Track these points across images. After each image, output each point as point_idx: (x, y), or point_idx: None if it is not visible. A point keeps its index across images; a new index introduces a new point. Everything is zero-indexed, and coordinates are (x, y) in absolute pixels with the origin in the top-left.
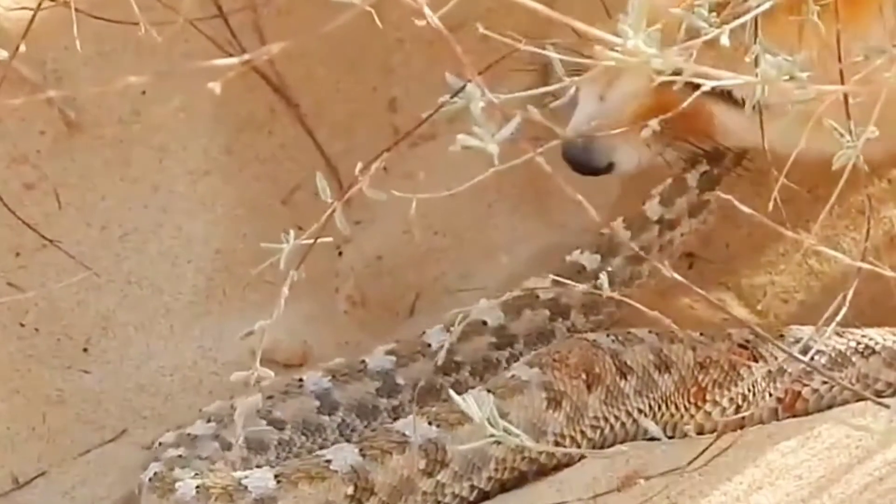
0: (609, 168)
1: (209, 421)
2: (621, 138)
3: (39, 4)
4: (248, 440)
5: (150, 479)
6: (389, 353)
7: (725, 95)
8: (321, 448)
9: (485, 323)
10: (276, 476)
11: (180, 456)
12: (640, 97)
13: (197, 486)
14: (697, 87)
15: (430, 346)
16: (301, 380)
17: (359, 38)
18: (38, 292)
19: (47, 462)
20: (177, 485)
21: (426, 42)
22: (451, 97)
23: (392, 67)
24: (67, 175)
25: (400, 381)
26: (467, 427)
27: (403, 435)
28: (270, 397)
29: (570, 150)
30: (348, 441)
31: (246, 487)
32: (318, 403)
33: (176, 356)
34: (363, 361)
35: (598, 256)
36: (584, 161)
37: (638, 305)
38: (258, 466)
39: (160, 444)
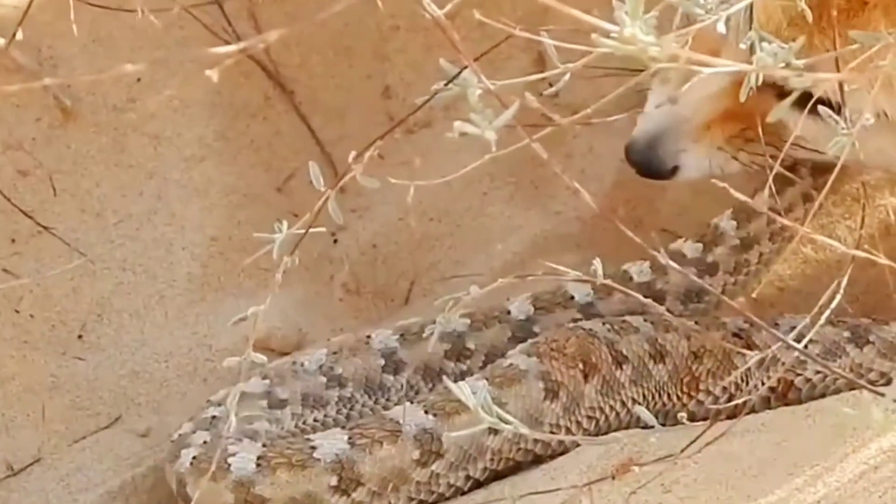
0: (673, 172)
1: (220, 405)
2: (689, 142)
3: None
4: (304, 396)
5: (190, 464)
6: (465, 315)
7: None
8: (384, 408)
9: (572, 298)
10: (258, 458)
11: (204, 442)
12: (714, 101)
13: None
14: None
15: (509, 312)
16: (369, 336)
17: (354, 25)
18: (33, 279)
19: (42, 449)
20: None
21: (422, 29)
22: (447, 84)
23: (387, 54)
24: (62, 162)
25: (471, 345)
26: (464, 417)
27: (397, 423)
28: (335, 353)
29: (633, 151)
30: (411, 402)
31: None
32: (383, 362)
33: (170, 343)
34: (434, 321)
35: (700, 245)
36: (647, 163)
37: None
38: (315, 421)
39: (180, 435)
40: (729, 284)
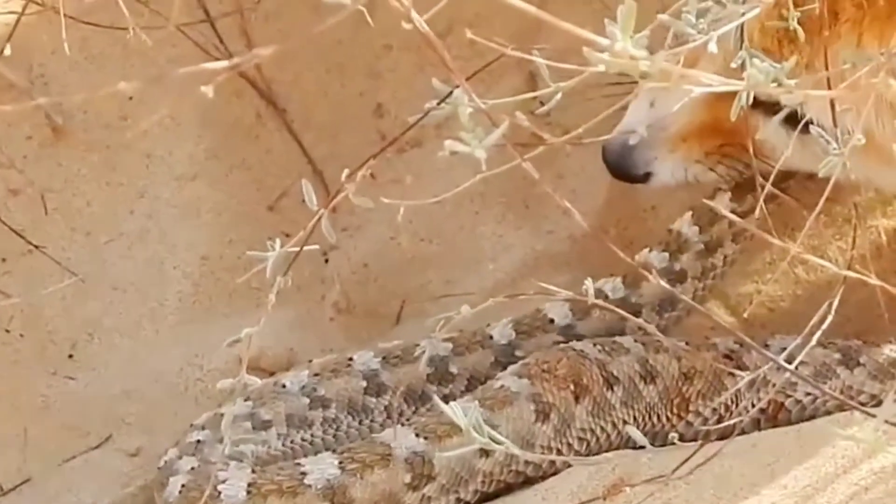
0: (646, 177)
1: (203, 428)
2: (665, 149)
3: (24, 7)
4: (288, 416)
5: (179, 492)
6: (447, 339)
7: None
8: (370, 429)
9: (552, 321)
10: (249, 485)
11: (192, 468)
12: (692, 110)
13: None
14: (755, 104)
15: (491, 337)
16: (351, 359)
17: (346, 43)
18: (24, 298)
19: (32, 468)
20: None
21: (414, 47)
22: (439, 103)
23: (379, 73)
24: (53, 180)
25: (454, 369)
26: (455, 439)
27: (387, 447)
28: (317, 374)
29: (609, 153)
30: (402, 424)
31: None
32: (365, 384)
33: (161, 362)
34: (418, 345)
35: (665, 254)
36: (621, 166)
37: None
38: (303, 440)
39: (166, 462)
40: (698, 290)
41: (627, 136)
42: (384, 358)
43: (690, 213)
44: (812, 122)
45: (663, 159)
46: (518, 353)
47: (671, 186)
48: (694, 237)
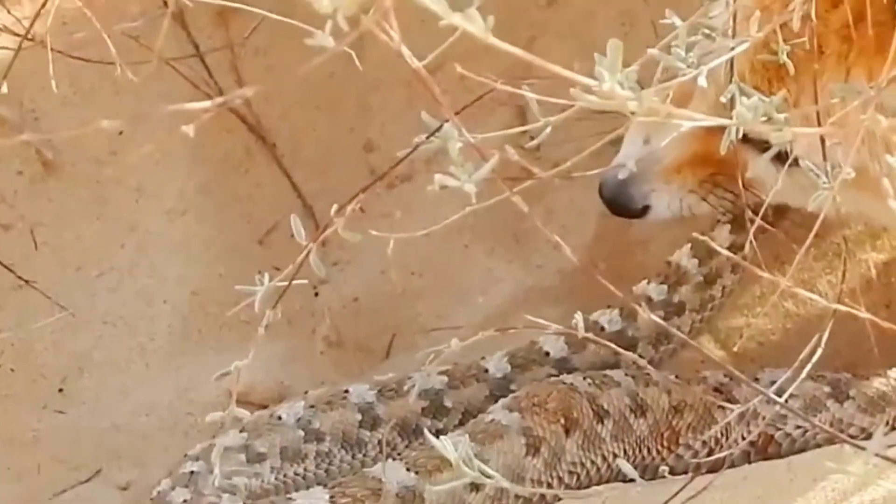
0: (644, 211)
1: (197, 459)
2: (661, 183)
3: (20, 45)
4: (282, 449)
5: None
6: (442, 373)
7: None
8: (362, 464)
9: (547, 354)
10: None
11: (185, 501)
12: (684, 141)
13: None
14: (744, 138)
15: (486, 371)
16: (346, 391)
17: (336, 78)
18: (14, 332)
19: (22, 502)
20: None
21: (403, 83)
22: (428, 136)
23: (369, 108)
24: (44, 215)
25: (448, 403)
26: (446, 474)
27: (378, 481)
28: (312, 406)
29: (606, 188)
30: (392, 458)
31: None
32: (360, 417)
33: (151, 396)
34: (410, 378)
35: (664, 287)
36: (618, 201)
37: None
38: (296, 475)
39: (158, 492)
40: (696, 322)
41: (621, 171)
42: (380, 391)
43: (689, 245)
44: (800, 159)
45: (660, 192)
46: (513, 386)
47: (667, 219)
48: (693, 269)
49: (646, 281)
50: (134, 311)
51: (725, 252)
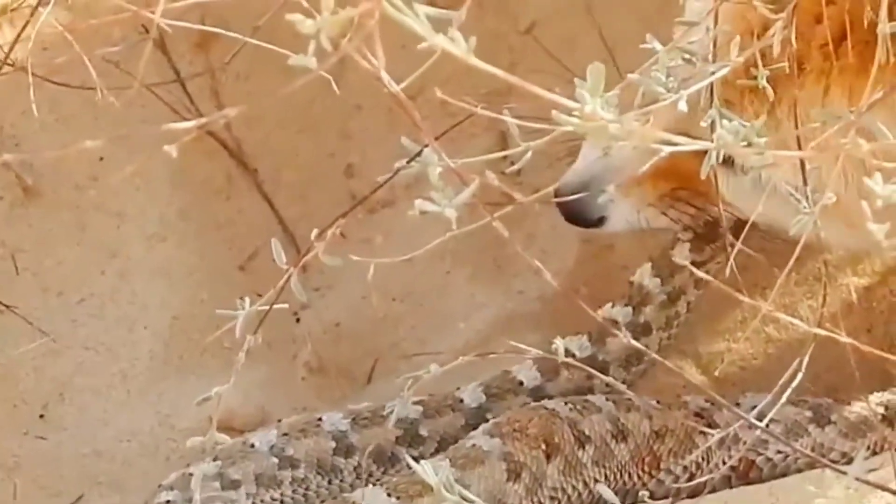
0: (600, 222)
1: (172, 489)
2: (619, 195)
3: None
4: (257, 476)
5: None
6: (417, 402)
7: (729, 163)
8: (340, 489)
9: (521, 383)
10: None
11: None
12: (648, 157)
13: None
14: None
15: (461, 401)
16: (320, 419)
17: (316, 103)
18: None
19: None
20: None
21: (384, 108)
22: (408, 162)
23: (350, 133)
24: (24, 240)
25: (423, 432)
26: (426, 499)
27: None
28: (286, 434)
29: (561, 196)
30: (371, 484)
31: None
32: (334, 445)
33: (133, 422)
34: (385, 406)
35: (629, 308)
36: (574, 211)
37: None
38: (272, 500)
39: None
40: (664, 340)
41: (580, 181)
42: (353, 419)
43: (650, 264)
44: (778, 184)
45: (617, 203)
46: (489, 415)
47: (625, 231)
48: (656, 289)
49: (610, 304)
50: (115, 336)
51: (693, 269)
